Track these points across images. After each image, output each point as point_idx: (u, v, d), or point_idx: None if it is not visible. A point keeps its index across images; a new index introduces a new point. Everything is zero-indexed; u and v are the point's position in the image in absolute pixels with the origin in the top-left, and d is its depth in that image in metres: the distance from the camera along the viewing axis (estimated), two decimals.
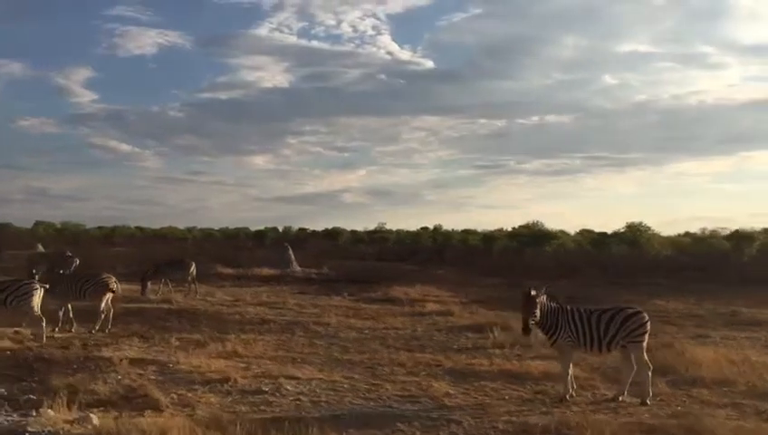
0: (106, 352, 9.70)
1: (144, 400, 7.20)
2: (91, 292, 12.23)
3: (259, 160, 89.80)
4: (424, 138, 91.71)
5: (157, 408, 6.93)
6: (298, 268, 28.84)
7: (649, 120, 76.80)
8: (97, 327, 12.19)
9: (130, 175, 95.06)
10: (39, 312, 10.95)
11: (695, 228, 45.75)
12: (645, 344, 7.82)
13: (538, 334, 8.44)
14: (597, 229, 49.88)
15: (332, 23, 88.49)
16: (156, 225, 70.19)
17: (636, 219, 40.00)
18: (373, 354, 10.72)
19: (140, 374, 8.48)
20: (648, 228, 44.74)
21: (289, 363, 9.77)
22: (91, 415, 6.31)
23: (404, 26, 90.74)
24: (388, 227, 60.02)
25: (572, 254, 42.46)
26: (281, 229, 66.55)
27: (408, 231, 61.95)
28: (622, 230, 44.88)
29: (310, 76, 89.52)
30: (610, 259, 33.62)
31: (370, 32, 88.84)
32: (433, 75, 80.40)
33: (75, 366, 8.79)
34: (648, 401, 7.64)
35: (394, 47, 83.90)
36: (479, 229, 53.64)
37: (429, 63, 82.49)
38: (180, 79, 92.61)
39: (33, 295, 10.85)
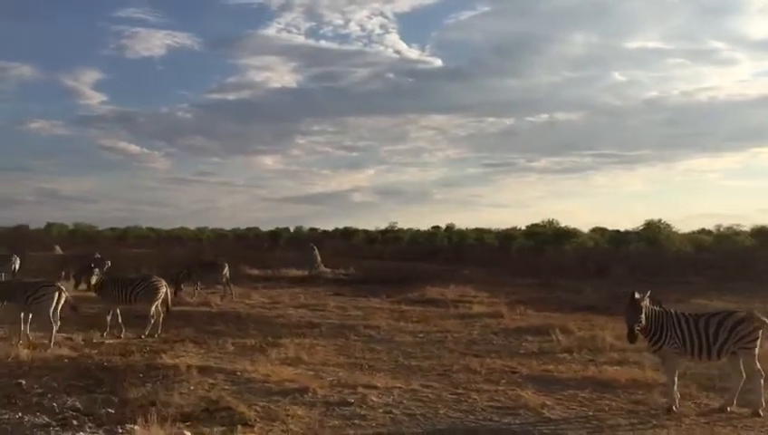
0: (167, 360, 9.24)
1: (228, 413, 6.74)
2: (142, 296, 11.80)
3: (268, 161, 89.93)
4: (432, 136, 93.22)
5: (245, 422, 6.46)
6: (324, 269, 28.40)
7: (659, 117, 76.48)
8: (147, 332, 11.76)
9: (140, 176, 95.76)
10: (53, 316, 10.39)
11: (707, 225, 45.18)
12: (756, 351, 7.31)
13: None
14: (609, 227, 49.42)
15: (340, 22, 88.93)
16: (165, 226, 70.86)
17: (647, 217, 39.53)
18: (439, 360, 10.25)
19: (212, 384, 8.02)
20: (668, 226, 44.28)
21: (357, 371, 9.31)
22: (186, 432, 5.85)
23: (412, 25, 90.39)
24: (399, 226, 59.82)
25: (595, 252, 41.89)
26: (292, 229, 66.50)
27: (422, 230, 61.73)
28: (641, 228, 44.57)
29: (318, 76, 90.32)
30: (638, 257, 32.96)
31: (378, 31, 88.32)
32: (441, 74, 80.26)
33: (141, 375, 8.34)
34: (761, 412, 7.14)
35: (402, 46, 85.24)
36: (491, 228, 53.25)
37: (437, 62, 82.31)
38: (189, 80, 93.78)
39: (50, 298, 10.36)
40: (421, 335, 12.63)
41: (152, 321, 11.86)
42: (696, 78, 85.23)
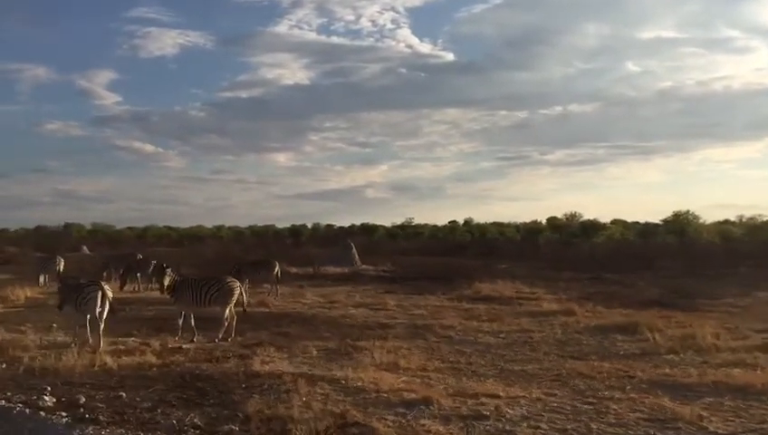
0: (260, 367, 8.67)
1: (362, 430, 6.13)
2: (217, 298, 11.21)
3: (281, 158, 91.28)
4: (445, 131, 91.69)
5: None
6: (364, 266, 27.81)
7: (674, 108, 76.10)
8: (220, 336, 11.18)
9: (155, 175, 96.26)
10: (99, 317, 10.28)
11: (725, 215, 44.19)
12: None
13: None
14: (628, 219, 48.63)
15: (351, 18, 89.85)
16: (181, 224, 70.47)
17: (663, 208, 38.89)
18: (541, 364, 9.59)
19: (323, 394, 7.40)
20: (696, 217, 43.47)
21: (463, 377, 8.68)
22: None
23: (423, 19, 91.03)
24: (416, 221, 59.40)
25: (626, 244, 41.09)
26: (309, 226, 66.08)
27: (440, 226, 61.18)
28: (668, 219, 43.73)
29: (330, 72, 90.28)
30: (694, 249, 31.92)
31: (390, 26, 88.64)
32: (453, 68, 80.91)
33: (244, 386, 7.74)
34: None
35: (414, 40, 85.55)
36: (509, 221, 52.54)
37: (450, 56, 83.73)
38: (201, 78, 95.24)
39: (95, 299, 10.23)
40: (502, 336, 11.98)
41: (225, 324, 11.28)
42: (711, 67, 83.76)
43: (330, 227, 66.70)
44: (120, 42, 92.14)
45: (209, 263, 26.84)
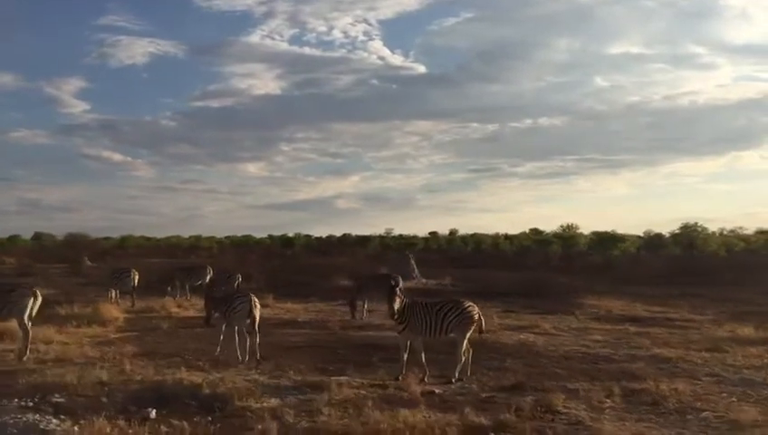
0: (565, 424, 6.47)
1: None
2: (456, 324, 8.93)
3: (252, 168, 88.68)
4: (417, 142, 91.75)
5: None
6: (423, 280, 25.60)
7: (641, 122, 77.36)
8: (456, 375, 8.89)
9: (124, 185, 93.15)
10: (245, 329, 10.35)
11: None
12: None
13: None
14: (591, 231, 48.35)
15: (324, 29, 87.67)
16: (151, 234, 68.13)
17: (630, 221, 38.85)
18: None
19: None
20: (705, 229, 43.53)
21: None
22: None
23: (395, 31, 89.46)
24: (395, 232, 57.98)
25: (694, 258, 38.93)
26: (291, 235, 63.85)
27: (437, 235, 59.85)
28: (676, 231, 43.59)
29: (302, 83, 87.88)
30: (751, 262, 30.90)
31: (362, 37, 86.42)
32: (425, 80, 79.82)
33: None
34: None
35: (386, 52, 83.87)
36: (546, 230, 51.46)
37: (421, 68, 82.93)
38: (172, 88, 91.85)
39: (245, 309, 10.24)
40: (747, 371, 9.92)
41: (463, 358, 8.99)
42: (678, 82, 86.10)
43: (308, 237, 64.55)
44: (89, 50, 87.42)
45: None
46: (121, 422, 6.45)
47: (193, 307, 16.57)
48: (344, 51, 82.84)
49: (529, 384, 8.54)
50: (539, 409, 7.22)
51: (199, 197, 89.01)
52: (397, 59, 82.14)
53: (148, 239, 66.27)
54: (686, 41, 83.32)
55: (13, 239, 53.65)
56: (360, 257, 40.71)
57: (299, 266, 30.69)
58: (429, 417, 6.83)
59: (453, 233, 59.40)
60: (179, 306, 16.84)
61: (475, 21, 79.59)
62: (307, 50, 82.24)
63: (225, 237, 69.83)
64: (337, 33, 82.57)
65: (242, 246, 59.92)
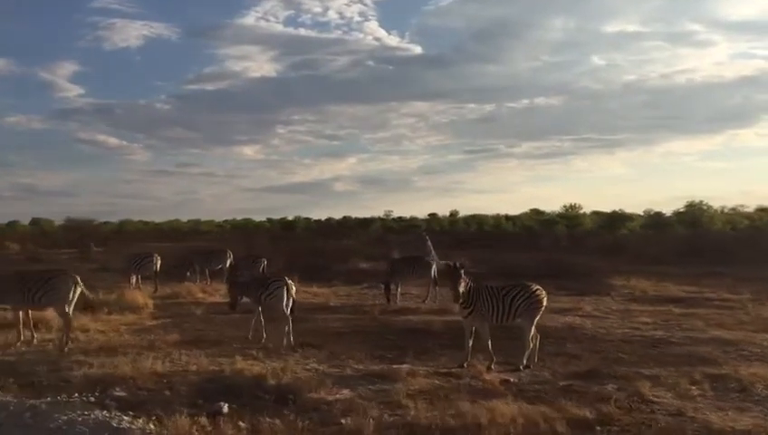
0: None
1: None
2: (524, 309, 8.51)
3: (248, 151, 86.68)
4: (413, 124, 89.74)
5: None
6: (442, 262, 25.11)
7: (638, 100, 76.11)
8: (524, 362, 8.50)
9: (120, 169, 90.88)
10: (282, 313, 10.12)
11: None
12: None
13: None
14: (604, 210, 48.23)
15: (319, 10, 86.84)
16: (148, 218, 67.88)
17: (627, 200, 38.53)
18: None
19: None
20: (710, 207, 43.31)
21: None
22: None
23: (391, 12, 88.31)
24: (394, 214, 57.90)
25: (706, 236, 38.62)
26: (291, 218, 63.48)
27: (437, 217, 59.50)
28: (681, 210, 43.37)
29: (297, 64, 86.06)
30: (761, 239, 30.65)
31: (357, 18, 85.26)
32: (421, 61, 78.60)
33: None
34: None
35: (381, 33, 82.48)
36: (547, 210, 51.22)
37: (417, 49, 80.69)
38: (167, 71, 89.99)
39: (281, 293, 10.13)
40: None
41: (531, 345, 8.60)
42: (674, 60, 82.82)
43: (308, 219, 64.17)
44: (83, 33, 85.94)
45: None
46: (203, 419, 6.00)
47: (217, 292, 16.09)
48: (340, 32, 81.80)
49: (603, 371, 8.17)
50: (634, 399, 6.82)
51: (196, 180, 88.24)
52: (393, 40, 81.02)
53: (147, 223, 65.70)
54: (682, 18, 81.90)
55: (12, 225, 52.72)
56: (364, 239, 40.29)
57: (315, 249, 30.21)
58: (521, 408, 6.42)
59: (454, 214, 59.14)
60: (204, 291, 16.35)
61: (471, 1, 78.76)
62: (302, 31, 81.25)
63: (225, 221, 69.61)
64: (332, 14, 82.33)
65: (243, 230, 59.46)
